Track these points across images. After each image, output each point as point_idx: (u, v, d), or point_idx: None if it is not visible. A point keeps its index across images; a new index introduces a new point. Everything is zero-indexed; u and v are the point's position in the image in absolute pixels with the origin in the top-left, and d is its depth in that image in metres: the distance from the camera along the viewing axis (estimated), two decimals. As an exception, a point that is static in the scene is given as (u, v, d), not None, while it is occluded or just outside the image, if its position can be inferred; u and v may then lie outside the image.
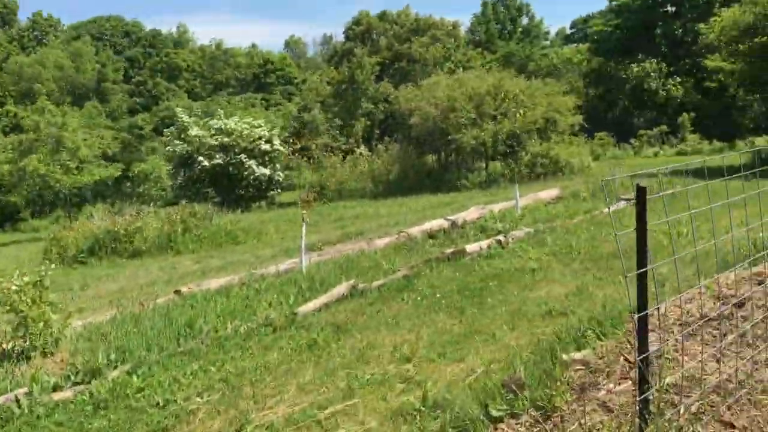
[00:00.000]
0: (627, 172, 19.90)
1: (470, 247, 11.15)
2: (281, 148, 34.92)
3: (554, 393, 4.56)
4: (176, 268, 14.41)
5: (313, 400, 5.45)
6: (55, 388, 6.12)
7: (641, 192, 3.79)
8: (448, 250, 11.07)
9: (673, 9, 45.78)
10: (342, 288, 8.82)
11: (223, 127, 33.37)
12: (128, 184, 48.74)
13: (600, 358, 5.60)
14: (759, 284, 7.17)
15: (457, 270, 10.07)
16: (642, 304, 3.89)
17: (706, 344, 5.84)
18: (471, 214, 14.87)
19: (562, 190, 16.93)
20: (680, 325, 6.27)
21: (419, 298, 8.48)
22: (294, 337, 7.23)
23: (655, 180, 18.46)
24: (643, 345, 3.93)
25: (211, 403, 5.64)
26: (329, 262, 11.05)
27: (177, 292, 9.90)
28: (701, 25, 27.62)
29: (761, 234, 7.87)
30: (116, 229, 17.82)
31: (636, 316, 3.85)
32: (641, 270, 3.85)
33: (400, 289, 9.05)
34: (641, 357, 3.80)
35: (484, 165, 26.60)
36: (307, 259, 10.92)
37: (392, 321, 7.63)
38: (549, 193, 16.72)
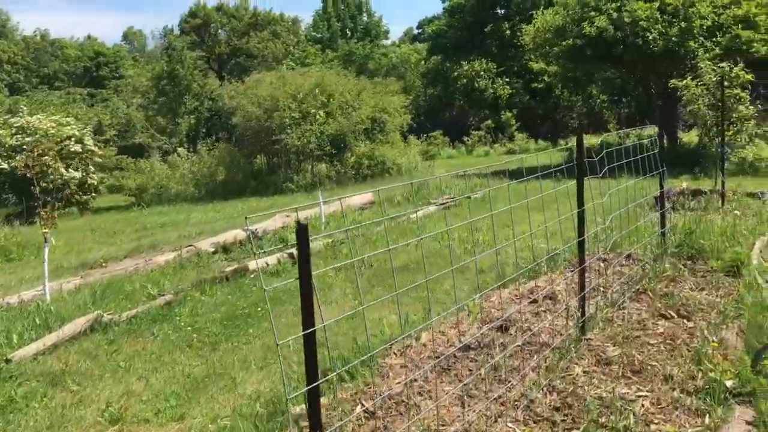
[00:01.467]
0: (452, 171, 19.98)
1: (254, 264, 10.23)
2: (94, 149, 32.05)
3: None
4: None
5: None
6: None
7: (302, 231, 3.04)
8: (229, 268, 10.09)
9: (502, 11, 47.62)
10: (79, 323, 7.56)
11: (24, 125, 29.99)
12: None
13: (333, 409, 4.88)
14: (532, 302, 6.88)
15: (233, 292, 9.15)
16: (311, 375, 3.16)
17: (460, 380, 5.32)
18: (275, 222, 13.97)
19: (375, 195, 16.48)
20: (436, 357, 5.74)
21: (171, 332, 7.45)
22: (-6, 392, 5.93)
23: (464, 180, 18.70)
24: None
25: None
26: (89, 286, 9.65)
27: None
28: (525, 27, 28.81)
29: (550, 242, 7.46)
30: None
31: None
32: (307, 331, 3.12)
33: (156, 320, 7.97)
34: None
35: (309, 167, 25.84)
36: (61, 285, 9.46)
37: (125, 365, 6.54)
38: (361, 198, 16.22)
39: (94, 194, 32.86)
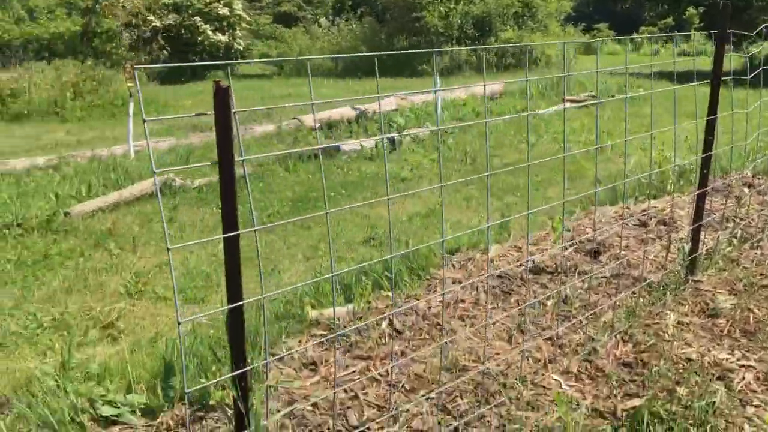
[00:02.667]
0: (608, 68, 17.98)
1: (348, 145, 9.56)
2: (242, 14, 32.27)
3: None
4: (41, 138, 12.80)
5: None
6: None
7: (220, 94, 2.18)
8: (320, 147, 9.46)
9: None
10: (146, 184, 7.33)
11: (173, -16, 30.57)
12: (85, 39, 45.96)
13: (358, 319, 4.22)
14: (640, 225, 5.72)
15: (316, 172, 8.54)
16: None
17: (520, 309, 4.46)
18: (388, 104, 13.15)
19: (506, 86, 15.08)
20: (498, 277, 4.87)
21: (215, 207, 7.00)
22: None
23: (618, 80, 16.63)
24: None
25: None
26: (183, 148, 9.48)
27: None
28: None
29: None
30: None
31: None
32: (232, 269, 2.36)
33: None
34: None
35: (449, 49, 24.38)
36: (157, 144, 9.34)
37: (174, 235, 6.18)
38: (490, 87, 14.89)
39: (240, 60, 33.43)
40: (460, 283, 4.65)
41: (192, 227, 6.41)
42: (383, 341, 3.93)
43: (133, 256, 5.67)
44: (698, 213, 4.42)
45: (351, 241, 5.94)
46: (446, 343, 3.81)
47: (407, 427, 3.11)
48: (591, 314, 4.08)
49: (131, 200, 7.16)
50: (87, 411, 2.93)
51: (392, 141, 10.14)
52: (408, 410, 3.19)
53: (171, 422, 3.11)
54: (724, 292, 4.35)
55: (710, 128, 4.13)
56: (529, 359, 3.69)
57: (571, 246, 5.17)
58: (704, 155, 4.22)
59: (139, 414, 3.10)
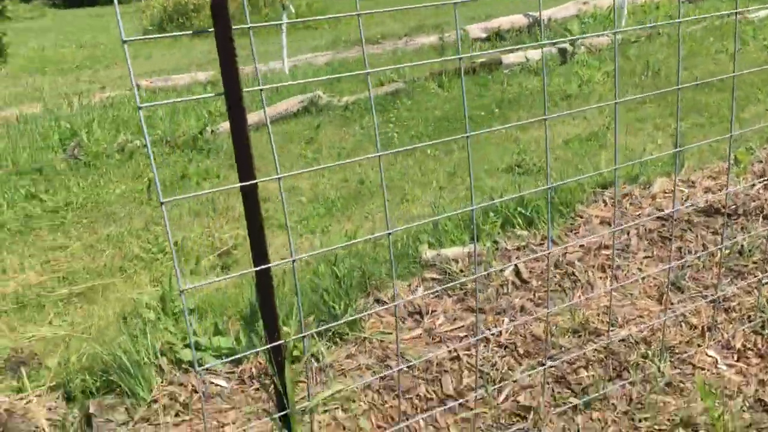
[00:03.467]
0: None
1: (511, 57, 8.77)
2: None
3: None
4: (213, 53, 13.23)
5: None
6: None
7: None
8: (480, 60, 8.79)
9: None
10: (293, 102, 7.19)
11: None
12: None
13: (478, 262, 3.80)
14: None
15: (472, 88, 7.93)
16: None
17: (681, 261, 3.80)
18: (566, 9, 11.97)
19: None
20: (658, 219, 4.18)
21: (369, 132, 6.66)
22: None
23: None
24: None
25: None
26: (338, 62, 9.26)
27: (138, 86, 8.77)
28: None
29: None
30: (184, 2, 16.95)
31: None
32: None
33: (369, 111, 7.22)
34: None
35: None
36: (304, 59, 9.21)
37: (311, 156, 6.00)
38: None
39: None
40: (609, 224, 3.98)
41: (330, 149, 6.18)
42: (505, 290, 3.43)
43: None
44: None
45: (493, 168, 5.38)
46: (579, 298, 3.24)
47: (513, 400, 2.65)
48: (772, 274, 3.27)
49: (276, 118, 7.06)
50: (166, 354, 2.78)
51: (563, 52, 9.17)
52: (516, 381, 2.72)
53: (254, 370, 2.90)
54: None
55: None
56: (683, 325, 3.03)
57: (761, 183, 4.24)
58: None
59: (223, 358, 2.92)
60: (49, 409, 2.63)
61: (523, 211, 4.08)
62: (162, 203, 1.57)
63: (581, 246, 3.73)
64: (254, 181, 1.70)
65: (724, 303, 3.14)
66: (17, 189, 5.51)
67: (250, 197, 1.73)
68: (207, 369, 2.91)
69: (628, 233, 3.83)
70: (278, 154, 5.86)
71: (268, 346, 1.80)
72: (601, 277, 3.44)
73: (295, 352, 2.88)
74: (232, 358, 2.83)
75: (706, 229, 3.82)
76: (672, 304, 3.18)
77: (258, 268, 1.76)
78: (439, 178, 5.26)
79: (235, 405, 2.74)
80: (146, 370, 2.76)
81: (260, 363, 2.92)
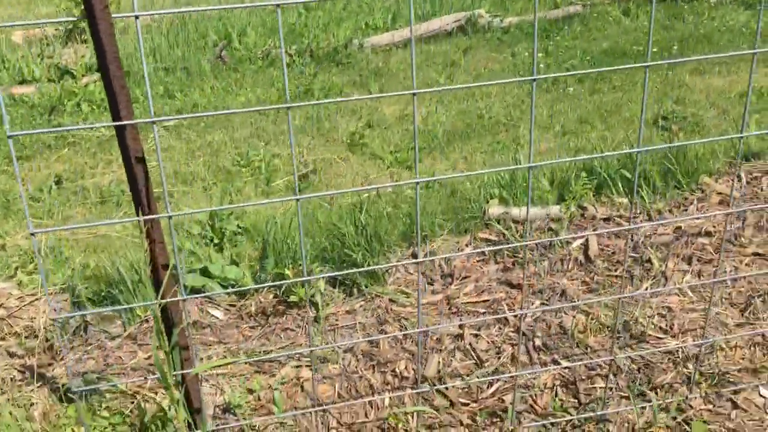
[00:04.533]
0: None
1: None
2: None
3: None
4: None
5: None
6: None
7: None
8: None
9: None
10: (447, 20, 6.83)
11: None
12: None
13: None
14: None
15: (667, 16, 6.97)
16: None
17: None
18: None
19: None
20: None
21: (518, 60, 6.14)
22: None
23: None
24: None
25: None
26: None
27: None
28: None
29: None
30: None
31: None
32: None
33: (541, 34, 6.64)
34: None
35: None
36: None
37: (442, 82, 5.69)
38: None
39: None
40: (728, 205, 3.29)
41: (467, 75, 5.78)
42: (564, 266, 3.01)
43: (378, 103, 5.35)
44: None
45: (635, 116, 4.70)
46: (635, 290, 2.74)
47: (498, 399, 2.33)
48: None
49: (428, 36, 6.74)
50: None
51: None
52: (514, 376, 2.39)
53: (253, 308, 2.84)
54: None
55: None
56: (756, 348, 2.45)
57: None
58: None
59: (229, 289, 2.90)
60: (54, 310, 2.78)
61: (626, 175, 3.51)
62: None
63: (678, 227, 3.13)
64: (126, 122, 1.53)
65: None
66: (157, 86, 5.85)
67: (122, 136, 1.56)
68: (208, 298, 2.90)
69: (743, 220, 3.14)
70: (407, 76, 5.63)
71: (155, 303, 1.69)
72: (682, 270, 2.87)
73: (293, 298, 2.77)
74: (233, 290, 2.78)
75: None
76: (757, 319, 2.57)
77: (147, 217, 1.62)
78: (567, 122, 4.70)
79: (221, 340, 2.71)
80: (147, 289, 2.81)
81: (260, 301, 2.85)
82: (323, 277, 2.78)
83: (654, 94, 5.06)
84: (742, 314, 2.61)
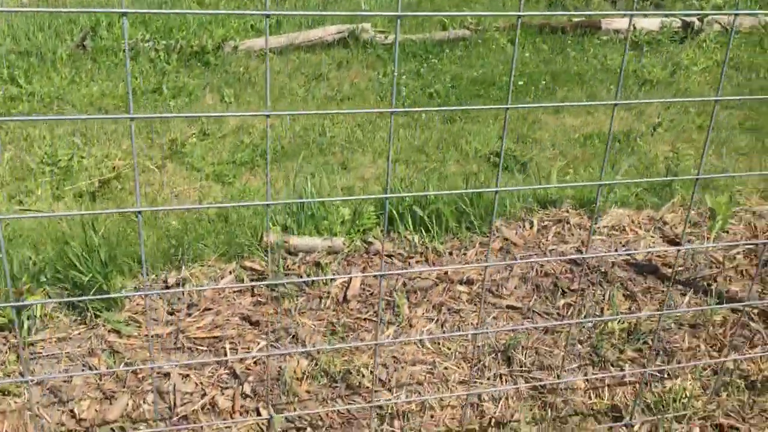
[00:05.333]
0: None
1: (615, 23, 7.62)
2: None
3: None
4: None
5: None
6: None
7: None
8: (577, 19, 7.72)
9: None
10: (330, 30, 6.72)
11: None
12: None
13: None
14: None
15: (549, 49, 7.00)
16: None
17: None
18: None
19: None
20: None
21: (381, 74, 6.06)
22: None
23: None
24: None
25: None
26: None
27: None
28: None
29: None
30: None
31: None
32: None
33: (416, 55, 6.58)
34: None
35: None
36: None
37: (303, 95, 5.56)
38: None
39: None
40: (508, 252, 3.24)
41: (330, 90, 5.67)
42: (318, 305, 2.89)
43: (226, 106, 5.20)
44: None
45: (474, 152, 4.65)
46: (360, 343, 2.64)
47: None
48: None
49: (306, 45, 6.61)
50: None
51: (687, 27, 7.81)
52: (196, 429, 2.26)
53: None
54: None
55: None
56: (473, 409, 2.37)
57: (723, 246, 3.27)
58: None
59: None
60: None
61: (420, 213, 3.43)
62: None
63: (445, 273, 3.06)
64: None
65: (544, 395, 2.42)
66: (6, 68, 5.58)
67: None
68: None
69: (510, 270, 3.09)
70: (273, 86, 5.48)
71: None
72: (428, 318, 2.79)
73: (1, 319, 2.58)
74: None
75: (626, 289, 2.99)
76: (480, 377, 2.50)
77: None
78: (405, 150, 4.63)
79: None
80: None
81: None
82: (39, 303, 2.61)
83: (499, 130, 5.03)
84: (471, 370, 2.54)
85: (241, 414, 2.30)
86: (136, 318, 2.73)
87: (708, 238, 3.29)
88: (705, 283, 3.04)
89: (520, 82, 5.97)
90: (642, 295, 2.97)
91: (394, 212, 3.41)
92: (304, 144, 4.67)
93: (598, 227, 3.46)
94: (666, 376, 2.54)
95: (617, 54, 7.03)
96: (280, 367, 2.51)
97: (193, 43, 6.33)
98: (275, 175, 4.18)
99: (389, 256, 3.28)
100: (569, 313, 2.84)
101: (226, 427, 2.24)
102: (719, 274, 3.08)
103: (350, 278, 3.01)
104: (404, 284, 3.00)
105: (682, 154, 4.37)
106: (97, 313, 2.70)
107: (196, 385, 2.43)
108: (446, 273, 3.05)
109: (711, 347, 2.69)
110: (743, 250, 3.26)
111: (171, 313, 2.80)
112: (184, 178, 4.14)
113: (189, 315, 2.78)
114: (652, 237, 3.38)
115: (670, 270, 3.14)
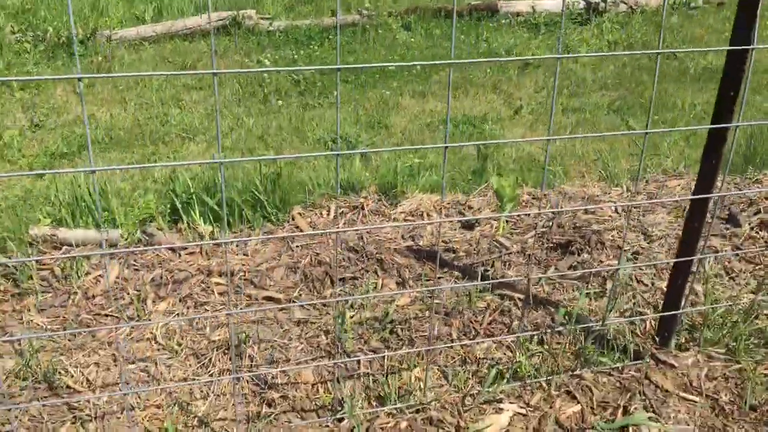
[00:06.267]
0: None
1: (515, 5, 7.51)
2: None
3: None
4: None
5: None
6: None
7: None
8: (476, 1, 7.59)
9: None
10: (194, 20, 6.50)
11: None
12: None
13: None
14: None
15: (444, 34, 6.86)
16: None
17: None
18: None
19: None
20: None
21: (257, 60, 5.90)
22: None
23: None
24: None
25: None
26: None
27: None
28: None
29: None
30: None
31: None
32: None
33: (297, 42, 6.41)
34: None
35: None
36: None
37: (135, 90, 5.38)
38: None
39: None
40: (291, 240, 3.09)
41: (197, 78, 5.50)
42: (67, 301, 2.73)
43: (77, 98, 5.01)
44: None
45: (317, 138, 4.50)
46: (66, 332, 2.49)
47: None
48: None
49: (184, 33, 6.42)
50: None
51: (590, 8, 7.70)
52: None
53: None
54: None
55: None
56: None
57: (530, 232, 3.15)
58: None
59: None
60: None
61: (209, 202, 3.28)
62: None
63: (207, 266, 2.91)
64: None
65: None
66: None
67: None
68: None
69: (278, 259, 2.94)
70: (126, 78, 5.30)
71: None
72: (169, 312, 2.64)
73: None
74: None
75: (399, 275, 2.85)
76: (195, 378, 2.35)
77: None
78: (244, 138, 4.47)
79: None
80: None
81: None
82: None
83: (356, 113, 4.89)
84: (194, 366, 2.39)
85: None
86: None
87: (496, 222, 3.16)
88: (483, 269, 2.91)
89: (392, 67, 5.82)
90: (414, 282, 2.84)
91: (177, 203, 3.26)
92: (141, 132, 4.51)
93: (396, 212, 3.32)
94: (405, 366, 2.41)
95: (505, 37, 6.90)
96: (-16, 367, 2.36)
97: (62, 33, 6.13)
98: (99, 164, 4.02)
99: (172, 249, 3.13)
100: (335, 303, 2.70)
101: None
102: (498, 259, 2.96)
103: (103, 273, 2.85)
104: (161, 277, 2.85)
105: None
106: None
107: None
108: (207, 266, 2.90)
109: (464, 334, 2.56)
110: (536, 233, 3.14)
111: None
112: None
113: None
114: (450, 223, 3.25)
115: (453, 255, 3.01)
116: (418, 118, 4.92)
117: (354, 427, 2.14)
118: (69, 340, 2.48)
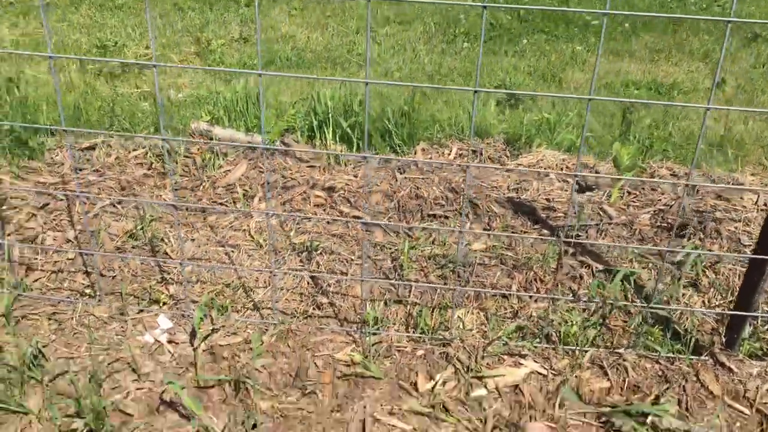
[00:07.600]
0: None
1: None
2: None
3: None
4: None
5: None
6: None
7: None
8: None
9: None
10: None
11: None
12: None
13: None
14: None
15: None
16: None
17: None
18: None
19: None
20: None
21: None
22: None
23: None
24: None
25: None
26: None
27: None
28: None
29: None
30: None
31: None
32: None
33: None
34: None
35: None
36: None
37: None
38: None
39: None
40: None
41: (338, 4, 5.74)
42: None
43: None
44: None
45: (480, 83, 4.53)
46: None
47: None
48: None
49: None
50: None
51: None
52: None
53: None
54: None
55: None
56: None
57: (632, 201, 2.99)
58: None
59: None
60: None
61: (343, 124, 3.51)
62: None
63: (311, 180, 3.16)
64: None
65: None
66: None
67: None
68: None
69: (380, 184, 3.10)
70: None
71: None
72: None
73: None
74: None
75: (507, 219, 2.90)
76: (276, 270, 2.65)
77: None
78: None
79: None
80: None
81: None
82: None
83: (536, 63, 4.81)
84: (272, 261, 2.68)
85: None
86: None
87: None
88: (575, 233, 2.83)
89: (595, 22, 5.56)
90: (499, 231, 2.86)
91: (313, 122, 3.54)
92: (327, 57, 4.86)
93: (512, 164, 3.31)
94: (452, 305, 2.49)
95: (754, 5, 6.20)
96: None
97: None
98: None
99: (299, 159, 3.44)
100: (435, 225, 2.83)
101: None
102: (596, 227, 2.85)
103: (233, 169, 3.24)
104: (276, 181, 3.16)
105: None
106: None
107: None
108: (318, 180, 3.16)
109: (525, 290, 2.56)
110: (654, 210, 2.96)
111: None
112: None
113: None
114: (560, 182, 3.17)
115: (551, 213, 2.95)
116: (601, 77, 4.71)
117: (374, 343, 2.29)
118: (185, 217, 2.91)
